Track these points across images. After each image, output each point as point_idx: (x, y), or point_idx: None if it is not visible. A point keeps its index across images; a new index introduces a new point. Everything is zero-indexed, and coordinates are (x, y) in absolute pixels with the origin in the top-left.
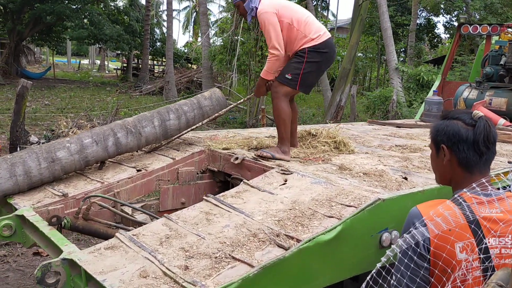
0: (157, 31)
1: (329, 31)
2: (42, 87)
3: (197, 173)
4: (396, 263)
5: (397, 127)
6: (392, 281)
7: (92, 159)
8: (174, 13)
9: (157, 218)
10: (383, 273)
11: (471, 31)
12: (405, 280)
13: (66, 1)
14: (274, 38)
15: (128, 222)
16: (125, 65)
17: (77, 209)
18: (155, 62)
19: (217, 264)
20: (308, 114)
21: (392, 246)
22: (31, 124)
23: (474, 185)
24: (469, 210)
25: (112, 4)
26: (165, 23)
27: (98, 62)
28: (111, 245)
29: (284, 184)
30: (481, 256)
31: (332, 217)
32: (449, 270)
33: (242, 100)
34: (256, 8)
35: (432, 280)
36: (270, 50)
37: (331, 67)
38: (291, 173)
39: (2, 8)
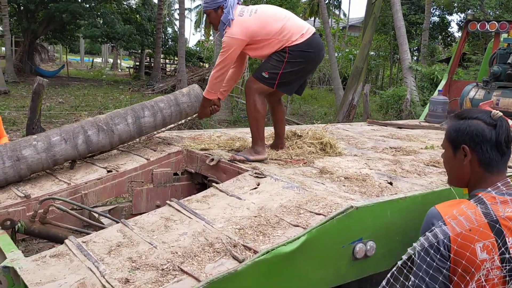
0: (169, 29)
1: (341, 29)
2: (56, 85)
3: (177, 174)
4: (418, 261)
5: (398, 127)
6: (412, 279)
7: (61, 157)
8: (186, 12)
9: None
10: (405, 270)
11: (479, 28)
12: (427, 279)
13: (80, 0)
14: (224, 63)
15: (95, 226)
16: (137, 63)
17: (33, 212)
18: (167, 60)
19: (162, 277)
20: (320, 113)
21: (414, 244)
22: (46, 122)
23: (499, 184)
24: (491, 209)
25: (125, 3)
26: (177, 22)
27: (111, 60)
28: (58, 252)
29: (255, 188)
30: (507, 256)
31: (297, 226)
32: (472, 269)
33: (183, 120)
34: (231, 21)
35: (455, 278)
36: (215, 70)
37: (321, 65)
38: (265, 177)
39: (16, 6)
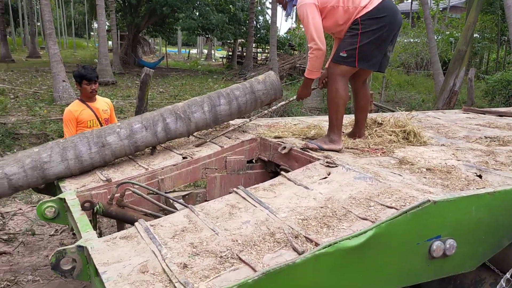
0: (261, 18)
1: (441, 11)
2: (156, 75)
3: (252, 162)
4: None
5: (498, 115)
6: None
7: (142, 144)
8: None
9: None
10: None
11: None
12: None
13: None
14: (313, 32)
15: (167, 210)
16: (230, 53)
17: (110, 195)
18: (258, 49)
19: (219, 265)
20: (417, 100)
21: None
22: (149, 110)
23: None
24: None
25: None
26: (268, 11)
27: (205, 51)
28: (127, 234)
29: (325, 178)
30: None
31: (366, 219)
32: None
33: (284, 103)
34: None
35: None
36: (309, 45)
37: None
38: (336, 166)
39: (122, 2)
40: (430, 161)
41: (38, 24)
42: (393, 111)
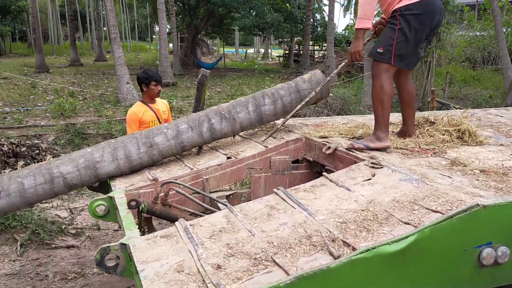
0: (318, 16)
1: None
2: (215, 76)
3: (297, 162)
4: None
5: None
6: None
7: (188, 144)
8: None
9: None
10: None
11: None
12: None
13: None
14: None
15: (209, 210)
16: (286, 52)
17: (155, 194)
18: (315, 47)
19: (253, 267)
20: (484, 96)
21: None
22: None
23: None
24: None
25: None
26: (325, 8)
27: (262, 50)
28: (167, 233)
29: (369, 179)
30: None
31: (408, 223)
32: None
33: (337, 69)
34: None
35: None
36: None
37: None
38: (381, 167)
39: (181, 5)
40: (485, 162)
41: (105, 29)
42: (458, 108)
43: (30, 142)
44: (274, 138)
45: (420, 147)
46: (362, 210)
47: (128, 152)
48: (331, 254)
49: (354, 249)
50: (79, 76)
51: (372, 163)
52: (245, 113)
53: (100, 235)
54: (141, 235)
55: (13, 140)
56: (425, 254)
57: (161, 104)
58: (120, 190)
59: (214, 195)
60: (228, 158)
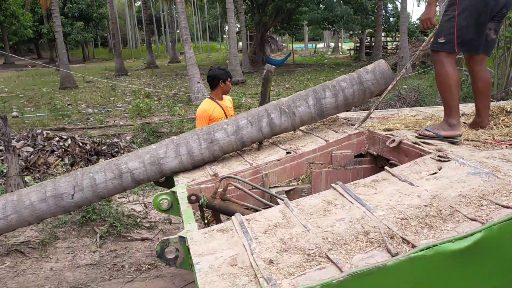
0: (390, 5)
1: None
2: (283, 72)
3: (361, 156)
4: None
5: None
6: None
7: (248, 139)
8: None
9: None
10: None
11: None
12: None
13: None
14: None
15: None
16: (357, 45)
17: (214, 189)
18: (388, 38)
19: (306, 263)
20: None
21: None
22: None
23: None
24: None
25: None
26: None
27: (332, 44)
28: (224, 227)
29: (434, 173)
30: None
31: (474, 220)
32: None
33: (410, 60)
34: None
35: None
36: None
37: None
38: (449, 160)
39: (250, 3)
40: None
41: (178, 31)
42: None
43: (110, 141)
44: (336, 132)
45: (493, 138)
46: (425, 206)
47: (190, 148)
48: (388, 251)
49: (413, 246)
50: (155, 77)
51: (438, 156)
52: (305, 107)
53: (172, 228)
54: (204, 227)
55: (95, 139)
56: (492, 253)
57: (227, 101)
58: (182, 185)
59: (273, 191)
60: (287, 153)
